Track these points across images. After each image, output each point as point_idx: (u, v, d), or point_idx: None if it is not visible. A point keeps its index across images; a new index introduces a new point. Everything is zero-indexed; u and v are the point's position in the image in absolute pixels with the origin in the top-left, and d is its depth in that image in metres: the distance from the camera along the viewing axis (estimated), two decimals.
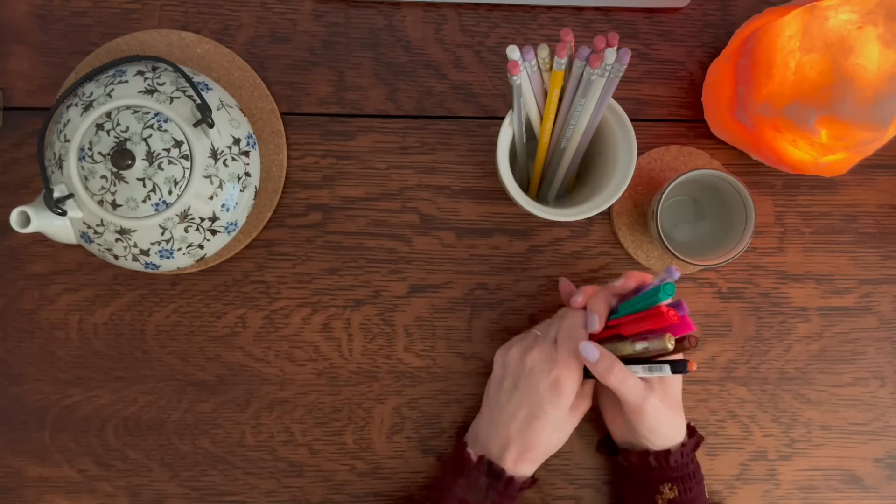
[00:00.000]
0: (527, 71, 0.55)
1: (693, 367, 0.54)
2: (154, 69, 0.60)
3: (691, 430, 0.62)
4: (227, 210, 0.61)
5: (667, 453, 0.59)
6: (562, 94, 0.57)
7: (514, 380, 0.60)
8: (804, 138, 0.59)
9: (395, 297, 0.68)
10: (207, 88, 0.61)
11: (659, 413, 0.58)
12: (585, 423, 0.67)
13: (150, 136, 0.57)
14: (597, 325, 0.58)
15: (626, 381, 0.56)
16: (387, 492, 0.67)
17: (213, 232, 0.61)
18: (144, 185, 0.57)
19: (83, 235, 0.59)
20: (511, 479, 0.59)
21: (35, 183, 0.67)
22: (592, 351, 0.57)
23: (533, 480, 0.62)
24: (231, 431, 0.67)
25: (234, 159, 0.61)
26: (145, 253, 0.60)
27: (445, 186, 0.68)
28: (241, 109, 0.64)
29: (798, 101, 0.57)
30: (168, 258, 0.60)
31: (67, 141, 0.58)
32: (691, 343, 0.53)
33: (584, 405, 0.62)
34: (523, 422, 0.59)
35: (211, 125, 0.58)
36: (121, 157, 0.56)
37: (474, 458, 0.60)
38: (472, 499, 0.60)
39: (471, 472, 0.60)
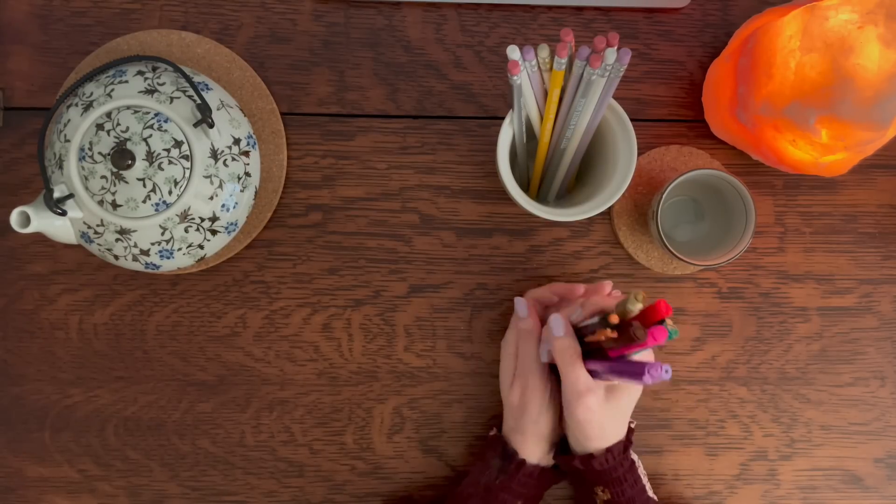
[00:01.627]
0: (527, 71, 0.55)
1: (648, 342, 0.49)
2: (154, 69, 0.60)
3: (626, 432, 0.60)
4: (227, 210, 0.61)
5: (590, 457, 0.58)
6: (562, 94, 0.57)
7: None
8: (804, 138, 0.59)
9: (395, 297, 0.67)
10: (207, 88, 0.61)
11: (591, 412, 0.55)
12: None
13: (151, 136, 0.57)
14: (561, 328, 0.56)
15: (574, 367, 0.55)
16: (387, 492, 0.67)
17: (213, 232, 0.61)
18: (144, 185, 0.57)
19: (83, 235, 0.59)
20: (522, 461, 0.60)
21: (35, 183, 0.67)
22: (559, 327, 0.56)
23: (552, 474, 0.62)
24: (231, 431, 0.67)
25: (234, 159, 0.61)
26: (145, 253, 0.60)
27: (445, 186, 0.68)
28: (241, 109, 0.64)
29: (798, 101, 0.57)
30: (168, 258, 0.60)
31: (67, 141, 0.57)
32: (636, 333, 0.49)
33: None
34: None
35: (211, 125, 0.58)
36: (121, 157, 0.56)
37: (491, 433, 0.62)
38: (486, 479, 0.60)
39: (486, 451, 0.62)
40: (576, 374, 0.55)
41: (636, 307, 0.50)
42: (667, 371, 0.48)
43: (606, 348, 0.54)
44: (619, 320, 0.51)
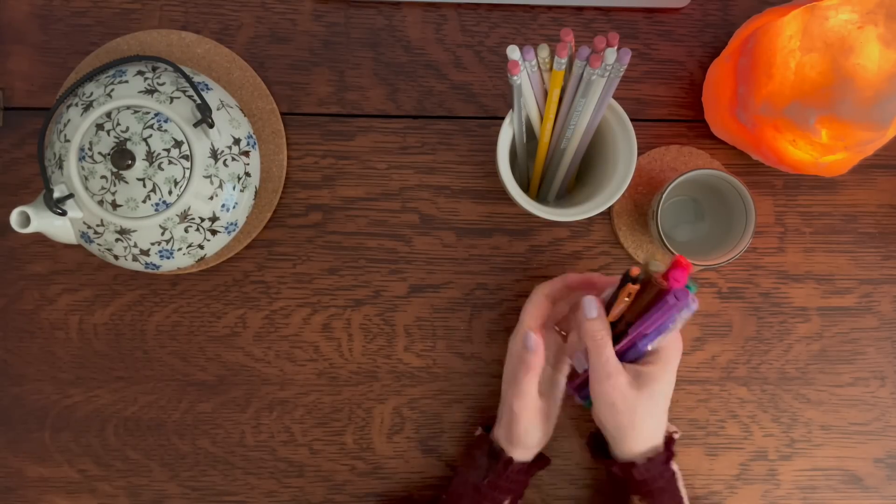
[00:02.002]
0: (527, 71, 0.55)
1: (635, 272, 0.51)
2: (154, 69, 0.60)
3: (668, 442, 0.59)
4: (227, 210, 0.61)
5: (631, 465, 0.57)
6: (562, 94, 0.57)
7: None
8: (804, 138, 0.59)
9: (395, 297, 0.68)
10: (207, 88, 0.61)
11: (620, 392, 0.54)
12: (585, 423, 0.67)
13: (150, 136, 0.57)
14: (594, 309, 0.55)
15: (605, 349, 0.54)
16: (387, 492, 0.67)
17: (213, 232, 0.61)
18: (144, 185, 0.57)
19: (83, 235, 0.59)
20: (510, 459, 0.59)
21: (35, 183, 0.67)
22: (592, 308, 0.55)
23: (539, 462, 0.62)
24: (231, 431, 0.67)
25: (234, 159, 0.61)
26: (145, 253, 0.60)
27: (445, 186, 0.68)
28: (241, 109, 0.64)
29: (798, 101, 0.57)
30: (168, 258, 0.60)
31: (67, 141, 0.58)
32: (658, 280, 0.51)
33: (555, 393, 0.61)
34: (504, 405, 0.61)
35: (211, 125, 0.58)
36: (121, 157, 0.56)
37: (477, 433, 0.62)
38: (474, 478, 0.60)
39: (473, 451, 0.62)
40: (606, 355, 0.55)
41: (658, 268, 0.51)
42: (693, 300, 0.51)
43: (628, 320, 0.55)
44: (640, 273, 0.52)
